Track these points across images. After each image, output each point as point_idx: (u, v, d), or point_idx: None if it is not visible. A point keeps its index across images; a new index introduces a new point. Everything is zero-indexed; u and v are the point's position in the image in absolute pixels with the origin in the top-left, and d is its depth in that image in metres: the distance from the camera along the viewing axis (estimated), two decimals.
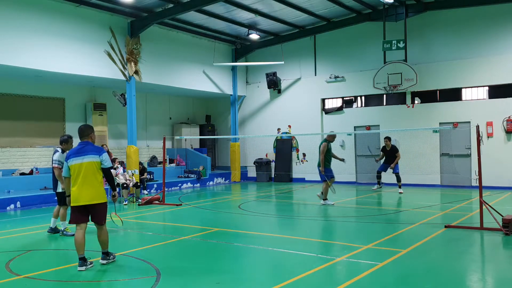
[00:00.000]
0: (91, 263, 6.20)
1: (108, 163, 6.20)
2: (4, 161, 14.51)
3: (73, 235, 8.16)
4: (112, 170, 14.10)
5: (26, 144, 15.13)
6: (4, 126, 14.62)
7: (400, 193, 14.14)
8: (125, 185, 13.19)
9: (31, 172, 14.55)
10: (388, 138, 14.76)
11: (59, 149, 8.33)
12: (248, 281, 5.69)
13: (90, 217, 6.27)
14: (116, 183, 13.66)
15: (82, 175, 6.04)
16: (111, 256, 6.39)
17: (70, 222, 6.33)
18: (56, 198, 8.70)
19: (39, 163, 15.30)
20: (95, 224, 6.29)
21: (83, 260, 6.05)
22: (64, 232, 8.39)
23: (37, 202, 12.88)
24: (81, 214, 6.18)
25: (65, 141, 8.39)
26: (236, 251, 7.29)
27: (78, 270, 5.99)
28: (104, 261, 6.27)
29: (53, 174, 8.42)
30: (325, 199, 12.09)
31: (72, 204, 6.14)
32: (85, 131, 6.26)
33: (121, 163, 14.69)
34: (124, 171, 14.04)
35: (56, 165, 8.14)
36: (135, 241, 8.24)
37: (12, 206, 12.36)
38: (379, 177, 15.26)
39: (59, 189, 8.39)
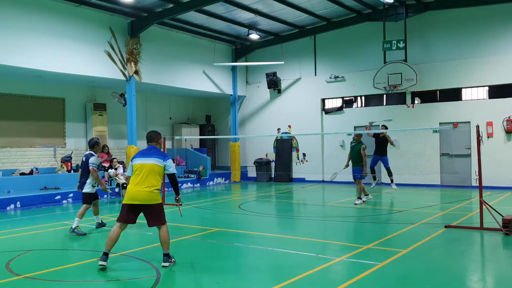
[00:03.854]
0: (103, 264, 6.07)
1: (172, 169, 6.31)
2: (4, 161, 14.51)
3: (84, 234, 8.40)
4: (112, 170, 14.15)
5: (26, 144, 15.13)
6: (4, 126, 14.62)
7: (394, 189, 13.77)
8: (125, 185, 13.20)
9: (31, 172, 14.54)
10: (384, 126, 13.78)
11: (93, 153, 8.81)
12: (248, 281, 5.69)
13: (146, 219, 6.24)
14: (116, 183, 13.69)
15: (142, 175, 6.10)
16: (172, 259, 6.24)
17: (118, 219, 6.19)
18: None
19: (39, 163, 15.31)
20: (156, 226, 6.24)
21: (106, 256, 6.06)
22: (76, 230, 8.44)
23: (37, 202, 12.88)
24: (132, 213, 6.17)
25: (96, 144, 8.98)
26: (236, 251, 7.29)
27: (100, 263, 5.98)
28: (166, 264, 6.13)
29: (81, 175, 8.87)
30: (359, 197, 12.24)
31: (126, 202, 6.13)
32: (154, 137, 6.51)
33: (121, 163, 14.70)
34: (124, 171, 14.04)
35: (93, 167, 8.57)
36: (135, 241, 8.24)
37: (12, 206, 12.36)
38: (373, 172, 14.35)
39: (86, 190, 8.70)
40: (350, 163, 12.50)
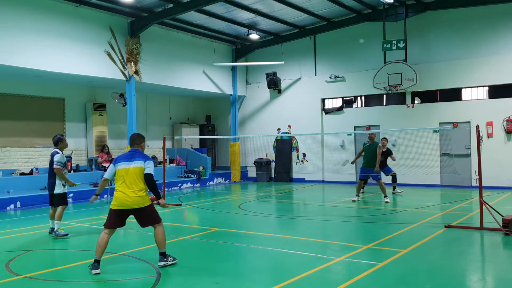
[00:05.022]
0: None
1: (149, 170, 6.13)
2: (4, 161, 14.52)
3: (66, 234, 8.15)
4: None
5: (26, 144, 15.13)
6: (4, 126, 14.62)
7: (400, 192, 14.02)
8: None
9: (31, 172, 14.55)
10: (385, 139, 14.38)
11: (58, 150, 8.33)
12: (248, 281, 5.69)
13: (138, 221, 6.23)
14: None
15: (128, 180, 6.05)
16: (170, 258, 6.19)
17: (105, 226, 6.08)
18: (49, 199, 8.56)
19: (39, 163, 15.30)
20: (151, 226, 6.24)
21: (97, 263, 5.92)
22: (57, 232, 8.22)
23: (37, 202, 12.87)
24: (120, 218, 6.11)
25: (60, 140, 8.45)
26: (236, 251, 7.30)
27: (94, 273, 5.82)
28: (162, 263, 6.11)
29: (49, 176, 8.38)
30: (385, 195, 12.44)
31: (115, 208, 6.05)
32: (137, 140, 6.45)
33: None
34: None
35: (58, 166, 8.16)
36: (135, 241, 8.24)
37: (12, 206, 12.36)
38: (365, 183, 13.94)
39: (58, 191, 8.31)
40: (359, 161, 12.83)
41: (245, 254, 7.15)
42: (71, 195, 13.58)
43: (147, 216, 6.17)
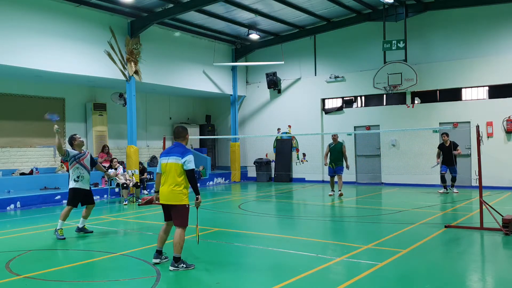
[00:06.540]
0: (166, 257, 6.42)
1: (189, 165, 6.08)
2: (4, 161, 14.51)
3: (62, 238, 8.07)
4: (112, 170, 14.09)
5: (26, 144, 15.13)
6: (4, 126, 14.62)
7: (456, 192, 13.97)
8: (125, 185, 13.20)
9: (31, 172, 14.55)
10: (446, 134, 14.12)
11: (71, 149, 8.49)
12: (248, 281, 5.69)
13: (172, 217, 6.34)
14: (116, 183, 13.68)
15: (166, 174, 6.16)
16: (182, 265, 5.98)
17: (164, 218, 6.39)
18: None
19: (39, 163, 15.31)
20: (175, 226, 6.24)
21: (158, 253, 6.34)
22: (56, 233, 8.15)
23: (37, 202, 12.88)
24: (166, 212, 6.37)
25: (73, 139, 8.56)
26: (236, 251, 7.29)
27: (153, 261, 6.30)
28: (172, 268, 5.95)
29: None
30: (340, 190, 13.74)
31: (160, 202, 6.31)
32: (180, 133, 6.39)
33: (121, 163, 14.70)
34: (124, 171, 14.04)
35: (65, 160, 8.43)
36: (135, 241, 8.24)
37: (12, 206, 12.36)
38: (443, 181, 14.32)
39: (69, 186, 8.39)
40: (328, 160, 13.84)
41: (245, 254, 7.15)
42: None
43: (175, 215, 6.21)
